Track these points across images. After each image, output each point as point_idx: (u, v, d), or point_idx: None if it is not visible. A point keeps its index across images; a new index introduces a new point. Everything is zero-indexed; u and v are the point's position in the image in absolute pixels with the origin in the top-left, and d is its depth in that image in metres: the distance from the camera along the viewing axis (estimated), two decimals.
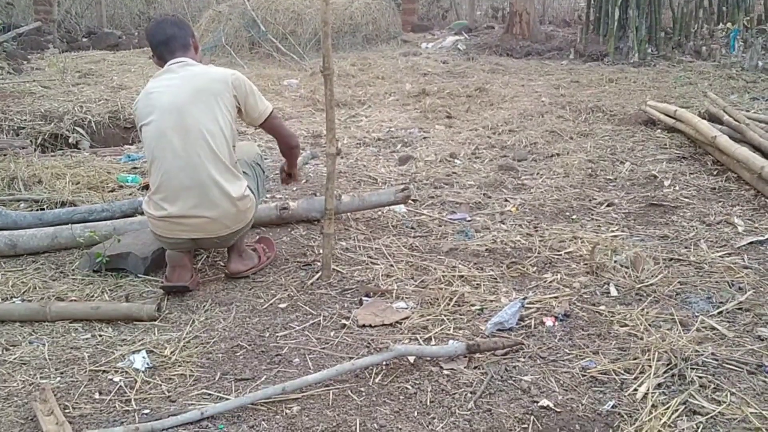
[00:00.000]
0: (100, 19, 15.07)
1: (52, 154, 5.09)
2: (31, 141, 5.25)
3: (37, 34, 12.95)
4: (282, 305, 2.70)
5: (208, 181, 2.70)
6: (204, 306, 2.70)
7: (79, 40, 13.02)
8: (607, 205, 3.77)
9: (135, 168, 4.61)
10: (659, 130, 5.29)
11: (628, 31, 9.75)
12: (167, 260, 2.83)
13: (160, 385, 2.17)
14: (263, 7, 10.89)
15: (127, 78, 8.02)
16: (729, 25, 9.75)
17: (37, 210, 3.70)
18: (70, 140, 5.46)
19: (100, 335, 2.49)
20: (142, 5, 17.44)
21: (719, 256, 3.00)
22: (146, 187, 3.95)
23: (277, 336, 2.46)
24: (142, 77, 7.82)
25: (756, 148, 4.09)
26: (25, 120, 5.61)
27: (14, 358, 2.33)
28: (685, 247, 3.13)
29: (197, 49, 2.97)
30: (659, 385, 2.06)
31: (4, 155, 4.57)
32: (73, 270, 3.04)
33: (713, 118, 4.81)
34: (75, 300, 2.74)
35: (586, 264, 2.94)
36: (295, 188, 4.12)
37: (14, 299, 2.77)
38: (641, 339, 2.33)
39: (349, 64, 9.24)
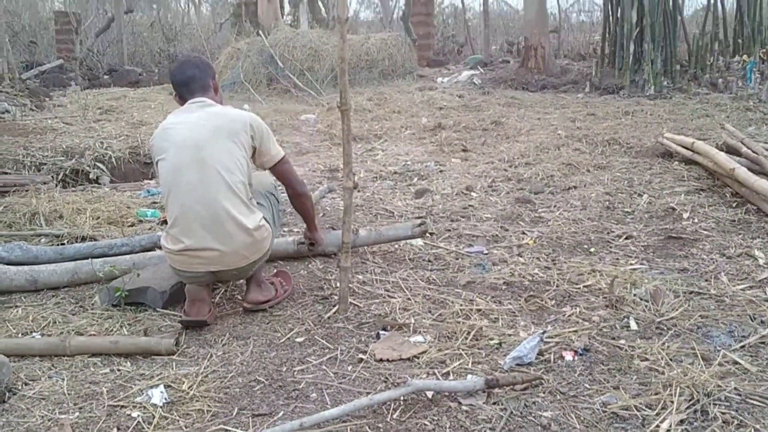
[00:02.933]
0: (121, 56, 15.38)
1: (73, 189, 5.17)
2: (52, 176, 5.33)
3: (59, 72, 13.24)
4: (299, 339, 2.69)
5: (223, 214, 2.72)
6: (222, 340, 2.71)
7: (101, 78, 13.29)
8: (626, 238, 3.75)
9: (154, 203, 4.66)
10: (676, 163, 5.27)
11: (643, 64, 9.79)
12: (186, 294, 2.85)
13: (178, 420, 2.17)
14: (281, 44, 11.07)
15: (147, 114, 8.15)
16: (745, 57, 9.78)
17: (58, 245, 3.74)
18: (91, 175, 5.54)
19: (119, 370, 2.50)
20: (163, 43, 17.82)
21: (740, 289, 2.97)
22: (165, 221, 3.99)
23: (295, 370, 2.45)
24: (161, 113, 7.95)
25: None
26: (47, 156, 5.71)
27: (33, 393, 2.34)
28: (706, 280, 3.09)
29: (217, 91, 3.02)
30: (681, 422, 2.03)
31: (26, 191, 4.65)
32: (92, 304, 3.06)
33: (731, 150, 4.79)
34: (94, 334, 2.76)
35: (605, 297, 2.92)
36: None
37: (34, 334, 2.79)
38: (662, 374, 2.30)
39: (365, 98, 9.34)
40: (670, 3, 10.14)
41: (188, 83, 2.92)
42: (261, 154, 2.90)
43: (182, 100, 2.94)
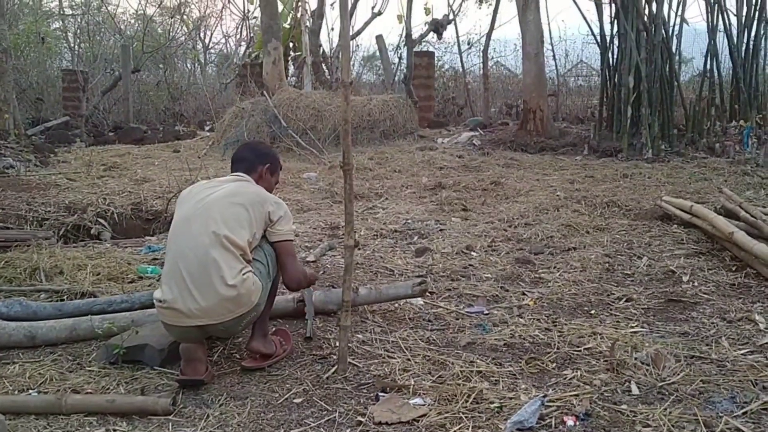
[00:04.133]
0: (126, 114, 15.61)
1: (74, 245, 5.18)
2: (54, 232, 5.36)
3: (65, 128, 13.43)
4: (297, 400, 2.66)
5: (211, 264, 2.74)
6: (219, 400, 2.68)
7: (106, 134, 13.47)
8: (626, 300, 3.74)
9: (155, 259, 4.67)
10: (675, 225, 5.30)
11: (641, 128, 9.93)
12: (181, 353, 2.82)
13: None
14: (285, 104, 11.25)
15: (151, 171, 8.23)
16: (742, 122, 9.93)
17: (58, 301, 3.74)
18: (92, 231, 5.56)
19: (114, 429, 2.46)
20: (168, 101, 18.12)
21: (741, 354, 2.95)
22: None
23: None
24: (165, 170, 8.03)
25: None
26: (50, 211, 5.75)
27: None
28: (707, 345, 3.08)
29: (263, 178, 3.15)
30: None
31: (28, 246, 4.66)
32: (90, 361, 3.04)
33: (729, 214, 4.82)
34: (90, 392, 2.73)
35: (606, 361, 2.90)
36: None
37: (30, 391, 2.76)
38: None
39: (367, 158, 9.45)
40: (667, 68, 10.36)
41: (238, 161, 3.17)
42: (273, 227, 2.95)
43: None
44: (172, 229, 2.92)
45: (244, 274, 2.79)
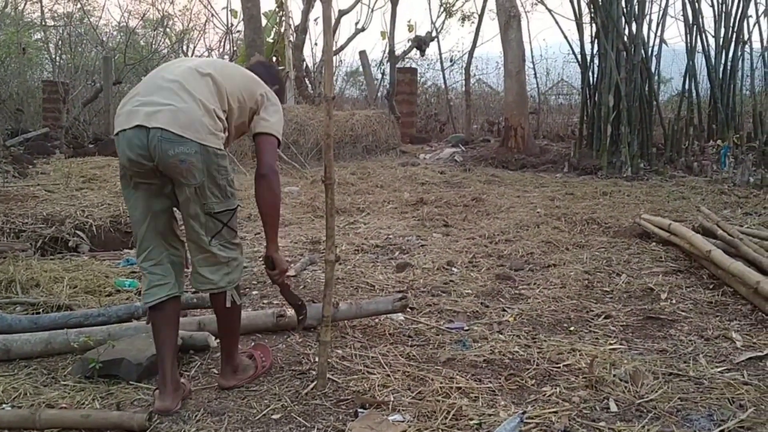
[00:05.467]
0: (107, 126, 15.47)
1: (52, 257, 5.12)
2: (31, 244, 5.28)
3: (44, 140, 13.29)
4: (275, 416, 2.64)
5: (182, 89, 2.51)
6: (196, 416, 2.64)
7: (86, 146, 13.34)
8: (605, 317, 3.76)
9: (134, 272, 4.62)
10: (654, 243, 5.35)
11: (620, 147, 10.05)
12: (158, 372, 2.73)
13: None
14: None
15: None
16: (719, 142, 10.08)
17: (34, 314, 3.68)
18: (70, 244, 5.50)
19: None
20: None
21: (719, 372, 2.97)
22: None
23: None
24: None
25: (750, 263, 4.13)
26: (27, 223, 5.67)
27: None
28: (684, 362, 3.10)
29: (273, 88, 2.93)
30: None
31: (4, 258, 4.60)
32: (65, 376, 2.99)
33: (707, 233, 4.88)
34: (65, 407, 2.68)
35: (585, 377, 2.91)
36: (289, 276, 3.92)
37: (4, 405, 2.71)
38: None
39: (349, 172, 9.46)
40: (646, 88, 10.51)
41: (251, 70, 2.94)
42: (257, 119, 2.75)
43: None
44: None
45: (221, 130, 2.58)
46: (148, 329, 2.86)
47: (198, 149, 2.48)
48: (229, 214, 2.67)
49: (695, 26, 11.17)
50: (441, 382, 2.87)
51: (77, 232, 5.67)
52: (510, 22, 11.70)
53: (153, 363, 2.94)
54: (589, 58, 11.31)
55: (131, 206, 2.69)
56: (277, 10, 14.18)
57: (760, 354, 3.15)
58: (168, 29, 22.34)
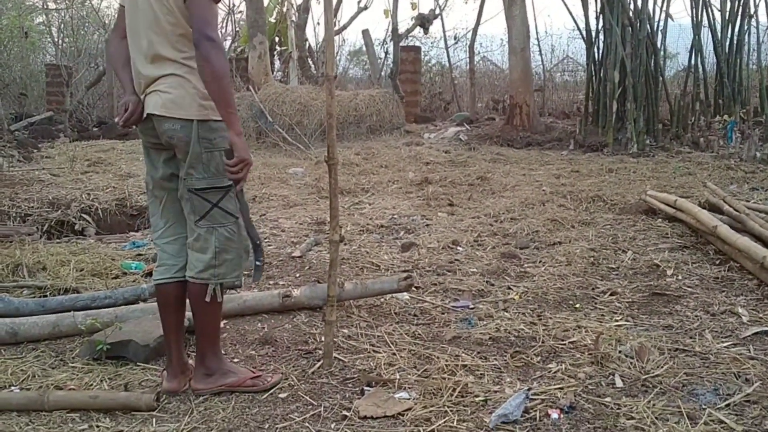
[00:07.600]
0: (111, 109, 15.47)
1: (58, 240, 5.14)
2: (37, 228, 5.31)
3: (48, 124, 13.29)
4: (282, 395, 2.65)
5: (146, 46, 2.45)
6: (203, 396, 2.66)
7: (90, 130, 13.34)
8: (611, 294, 3.76)
9: (139, 254, 4.64)
10: (660, 220, 5.33)
11: (626, 123, 9.98)
12: (166, 353, 2.75)
13: None
14: (271, 99, 11.21)
15: (135, 166, 8.18)
16: (726, 117, 9.99)
17: (41, 297, 3.71)
18: (76, 227, 5.52)
19: (98, 426, 2.44)
20: None
21: (725, 347, 2.97)
22: (150, 273, 3.97)
23: (277, 427, 2.41)
24: None
25: (757, 238, 4.11)
26: (33, 207, 5.69)
27: None
28: (690, 338, 3.10)
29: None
30: None
31: (10, 242, 4.62)
32: (73, 358, 3.01)
33: (713, 208, 4.85)
34: (73, 389, 2.70)
35: (590, 354, 2.91)
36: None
37: (12, 388, 2.73)
38: None
39: (353, 153, 9.43)
40: (652, 64, 10.41)
41: None
42: None
43: None
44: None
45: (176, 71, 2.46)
46: (155, 311, 2.87)
47: (184, 124, 2.44)
48: (217, 192, 2.51)
49: (701, 0, 11.03)
50: (447, 360, 2.88)
51: (83, 215, 5.69)
52: None
53: (160, 344, 2.95)
54: (594, 33, 11.20)
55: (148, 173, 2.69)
56: None
57: (767, 329, 3.15)
58: None
